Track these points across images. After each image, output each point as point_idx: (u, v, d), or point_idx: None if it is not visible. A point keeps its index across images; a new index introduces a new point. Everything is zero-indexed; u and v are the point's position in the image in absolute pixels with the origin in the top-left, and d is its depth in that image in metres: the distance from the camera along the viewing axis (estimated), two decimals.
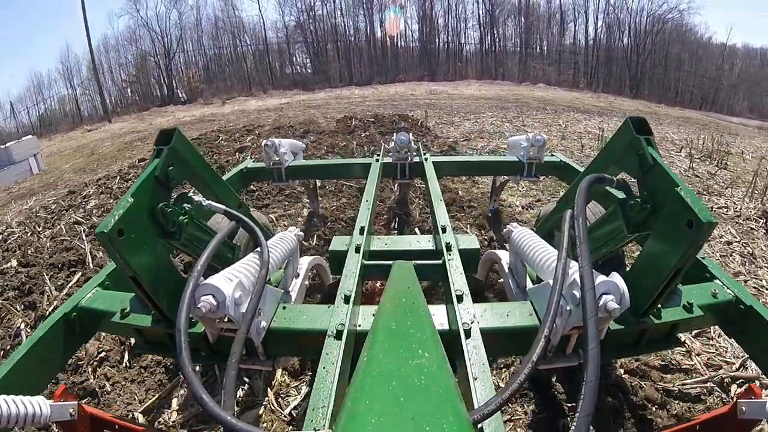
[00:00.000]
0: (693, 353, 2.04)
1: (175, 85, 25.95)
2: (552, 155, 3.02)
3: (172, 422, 1.77)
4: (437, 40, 28.66)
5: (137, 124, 16.32)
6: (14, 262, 3.29)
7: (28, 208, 5.34)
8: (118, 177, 5.80)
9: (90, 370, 2.07)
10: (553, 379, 1.84)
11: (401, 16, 28.20)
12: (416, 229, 3.42)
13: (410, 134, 2.97)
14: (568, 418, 1.65)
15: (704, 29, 30.57)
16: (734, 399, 1.00)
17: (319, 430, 0.75)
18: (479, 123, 7.97)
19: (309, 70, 27.79)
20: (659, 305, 1.19)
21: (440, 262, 1.47)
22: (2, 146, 8.95)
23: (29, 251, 3.50)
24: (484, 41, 28.73)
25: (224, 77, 26.56)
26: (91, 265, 3.13)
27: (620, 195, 1.36)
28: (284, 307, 1.30)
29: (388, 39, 27.98)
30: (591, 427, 1.48)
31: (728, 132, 10.13)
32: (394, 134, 2.96)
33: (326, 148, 5.93)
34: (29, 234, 4.05)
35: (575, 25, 28.35)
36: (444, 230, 1.67)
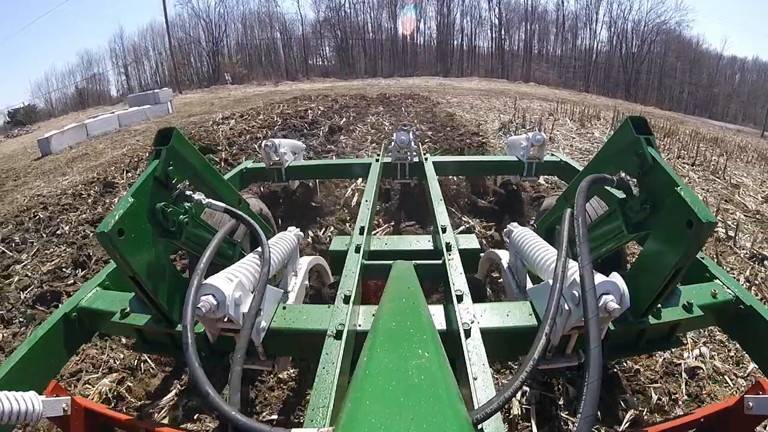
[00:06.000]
0: None
1: (220, 69, 29.17)
2: (552, 155, 3.02)
3: (164, 414, 1.78)
4: (452, 41, 31.02)
5: (213, 95, 19.82)
6: None
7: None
8: (260, 110, 9.30)
9: None
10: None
11: (413, 12, 29.85)
12: None
13: (410, 134, 2.96)
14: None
15: (701, 40, 32.01)
16: (741, 393, 0.98)
17: (319, 428, 0.75)
18: (460, 99, 12.48)
19: (333, 63, 31.33)
20: (659, 305, 1.19)
21: (440, 262, 1.47)
22: (152, 91, 14.39)
23: None
24: (495, 44, 30.56)
25: (263, 65, 30.24)
26: None
27: (620, 195, 1.36)
28: (284, 307, 1.30)
29: (408, 37, 30.46)
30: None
31: (678, 122, 12.59)
32: (394, 134, 2.94)
33: (378, 101, 10.36)
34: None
35: (577, 32, 29.60)
36: (444, 230, 1.66)
